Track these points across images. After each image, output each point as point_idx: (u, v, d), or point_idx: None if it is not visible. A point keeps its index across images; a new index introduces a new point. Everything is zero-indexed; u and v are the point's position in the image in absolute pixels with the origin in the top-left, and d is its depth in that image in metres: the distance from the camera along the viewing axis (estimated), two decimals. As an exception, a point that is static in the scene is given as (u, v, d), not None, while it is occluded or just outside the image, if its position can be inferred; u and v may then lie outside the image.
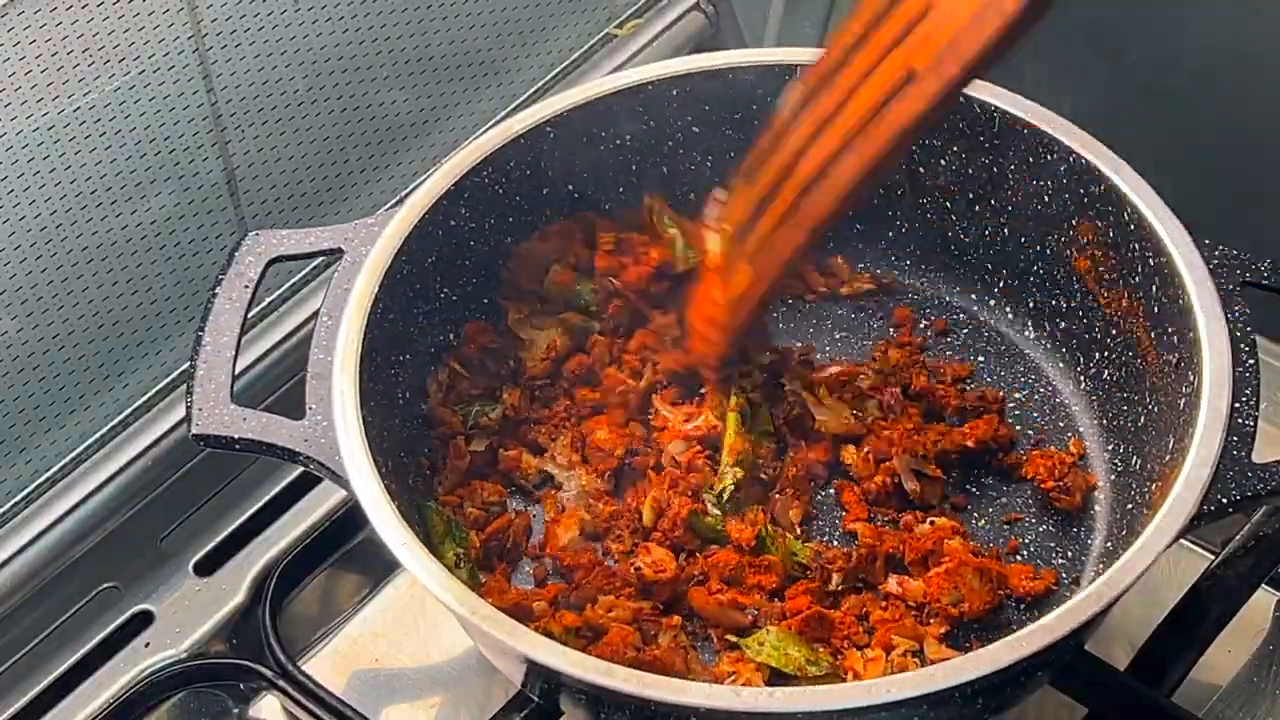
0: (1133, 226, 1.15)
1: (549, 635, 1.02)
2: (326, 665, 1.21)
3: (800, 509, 1.17)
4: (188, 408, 1.09)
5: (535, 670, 1.01)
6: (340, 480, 1.05)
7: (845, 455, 1.20)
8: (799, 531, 1.17)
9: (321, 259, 1.22)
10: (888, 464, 1.19)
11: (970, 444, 1.20)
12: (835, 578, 1.14)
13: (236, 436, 1.08)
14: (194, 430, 1.08)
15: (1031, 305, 1.27)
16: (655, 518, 1.16)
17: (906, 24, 1.01)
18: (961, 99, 1.21)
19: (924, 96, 1.00)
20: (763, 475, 1.19)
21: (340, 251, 1.16)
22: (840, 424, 1.21)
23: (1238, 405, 1.06)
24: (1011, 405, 1.25)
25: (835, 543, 1.17)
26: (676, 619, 1.12)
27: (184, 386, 1.23)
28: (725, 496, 1.16)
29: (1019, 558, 1.16)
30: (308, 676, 1.17)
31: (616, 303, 1.26)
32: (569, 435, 1.22)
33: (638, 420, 1.23)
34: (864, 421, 1.21)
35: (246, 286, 1.14)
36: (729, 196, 1.15)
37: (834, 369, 1.25)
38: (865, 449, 1.20)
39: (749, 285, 1.13)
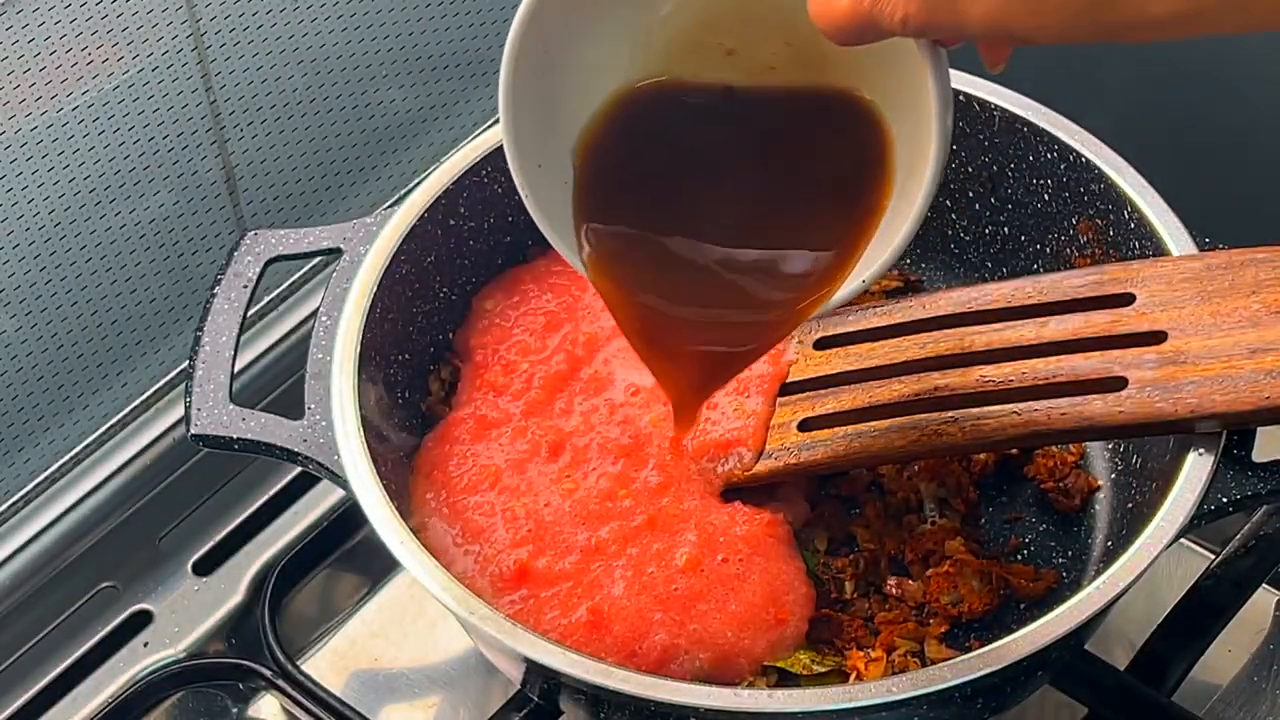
0: (1133, 225, 1.15)
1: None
2: (325, 665, 1.21)
3: (826, 537, 1.16)
4: (186, 408, 1.09)
5: (534, 670, 1.01)
6: (339, 480, 1.05)
7: (882, 468, 1.18)
8: (824, 557, 1.15)
9: (320, 258, 1.22)
10: (913, 480, 1.17)
11: (992, 467, 1.19)
12: (848, 586, 1.13)
13: (235, 437, 1.08)
14: (193, 431, 1.08)
15: (1031, 304, 1.27)
16: None
17: None
18: (961, 98, 1.22)
19: None
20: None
21: (339, 251, 1.16)
22: None
23: (1238, 403, 1.05)
24: (1011, 405, 1.24)
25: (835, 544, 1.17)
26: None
27: (182, 386, 1.23)
28: None
29: (1019, 557, 1.16)
30: (306, 676, 1.17)
31: None
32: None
33: None
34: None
35: (245, 286, 1.14)
36: None
37: None
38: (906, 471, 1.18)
39: None
